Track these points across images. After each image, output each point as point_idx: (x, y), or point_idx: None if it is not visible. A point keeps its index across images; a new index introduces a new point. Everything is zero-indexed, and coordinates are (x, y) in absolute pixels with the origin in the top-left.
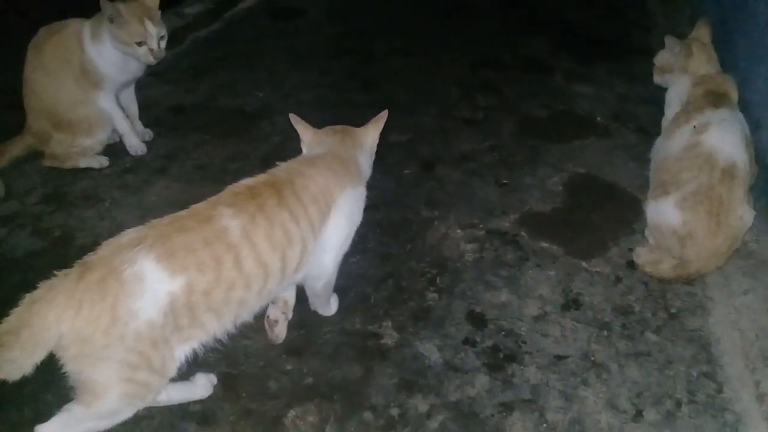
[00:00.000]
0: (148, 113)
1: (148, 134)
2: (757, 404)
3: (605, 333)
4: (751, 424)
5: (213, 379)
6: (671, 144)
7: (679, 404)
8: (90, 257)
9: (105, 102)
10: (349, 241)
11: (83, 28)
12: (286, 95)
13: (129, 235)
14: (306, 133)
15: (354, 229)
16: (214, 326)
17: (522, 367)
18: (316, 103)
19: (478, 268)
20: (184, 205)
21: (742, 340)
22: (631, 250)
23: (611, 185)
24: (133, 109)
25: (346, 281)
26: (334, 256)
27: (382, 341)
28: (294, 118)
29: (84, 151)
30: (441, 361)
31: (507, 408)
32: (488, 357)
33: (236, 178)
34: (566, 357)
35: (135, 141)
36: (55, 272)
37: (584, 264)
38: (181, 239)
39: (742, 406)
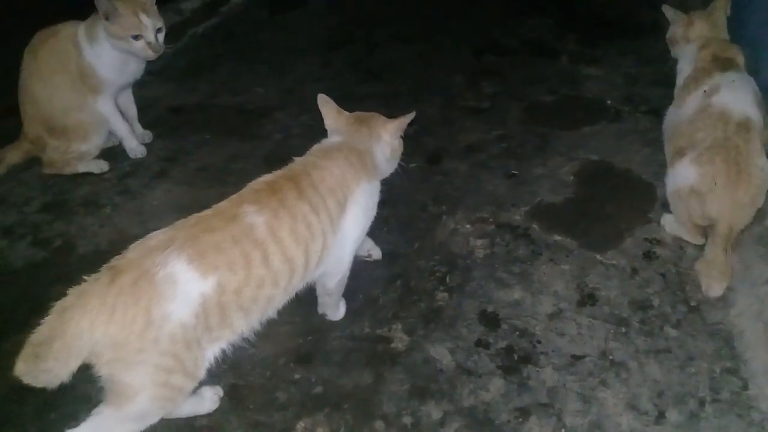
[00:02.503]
0: (147, 114)
1: (148, 136)
2: None
3: (623, 329)
4: None
5: (219, 391)
6: (683, 111)
7: (702, 403)
8: (119, 261)
9: (104, 106)
10: (363, 236)
11: (78, 30)
12: (287, 90)
13: (157, 237)
14: (329, 116)
15: (369, 223)
16: (242, 325)
17: (538, 369)
18: None
19: (489, 265)
20: (185, 209)
21: (767, 332)
22: (647, 240)
23: (625, 172)
24: (132, 111)
25: (353, 283)
26: (351, 250)
27: (392, 345)
28: (321, 99)
29: (81, 156)
30: (453, 364)
31: (523, 413)
32: (502, 359)
33: (239, 178)
34: (583, 356)
35: (134, 144)
36: (59, 282)
37: (599, 257)
38: (210, 239)
39: None
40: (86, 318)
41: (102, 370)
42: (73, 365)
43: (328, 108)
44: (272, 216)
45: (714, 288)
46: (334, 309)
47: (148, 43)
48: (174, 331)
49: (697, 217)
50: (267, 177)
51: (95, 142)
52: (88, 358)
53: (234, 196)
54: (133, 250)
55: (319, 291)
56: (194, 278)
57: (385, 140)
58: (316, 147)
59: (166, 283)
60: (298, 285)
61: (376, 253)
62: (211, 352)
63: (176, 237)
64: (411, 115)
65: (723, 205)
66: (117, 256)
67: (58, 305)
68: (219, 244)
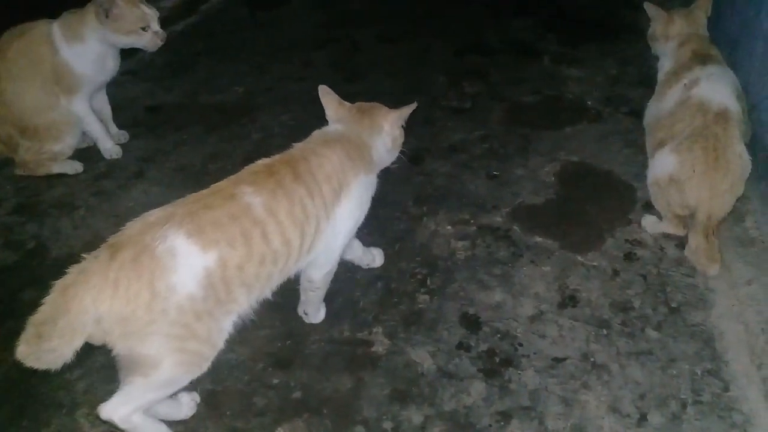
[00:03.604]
0: (124, 114)
1: (124, 136)
2: (766, 403)
3: (604, 331)
4: (760, 424)
5: (196, 397)
6: (663, 105)
7: (684, 405)
8: (117, 237)
9: (78, 106)
10: (355, 229)
11: (52, 30)
12: (268, 89)
13: (155, 213)
14: (330, 107)
15: (363, 217)
16: (245, 301)
17: (519, 372)
18: (300, 96)
19: (470, 267)
20: None
21: (747, 333)
22: (627, 241)
23: (606, 173)
24: (106, 111)
25: (333, 285)
26: (342, 242)
27: (373, 349)
28: (322, 90)
29: (54, 157)
30: (434, 368)
31: (505, 416)
32: (483, 362)
33: (217, 179)
34: (565, 359)
35: (109, 144)
36: (32, 285)
37: (580, 258)
38: (208, 216)
39: (750, 405)
40: (89, 294)
41: (117, 345)
42: (77, 343)
43: (329, 99)
44: (270, 197)
45: (708, 271)
46: (316, 308)
47: (155, 33)
48: (181, 303)
49: (676, 206)
50: (265, 160)
51: (68, 143)
52: (91, 336)
53: (232, 177)
54: (132, 227)
55: (303, 285)
56: (194, 252)
57: (386, 131)
58: (316, 133)
59: (166, 257)
60: (292, 268)
61: (378, 261)
62: (227, 324)
63: (175, 213)
64: (412, 106)
65: (702, 192)
66: (114, 234)
67: (59, 284)
68: (217, 220)
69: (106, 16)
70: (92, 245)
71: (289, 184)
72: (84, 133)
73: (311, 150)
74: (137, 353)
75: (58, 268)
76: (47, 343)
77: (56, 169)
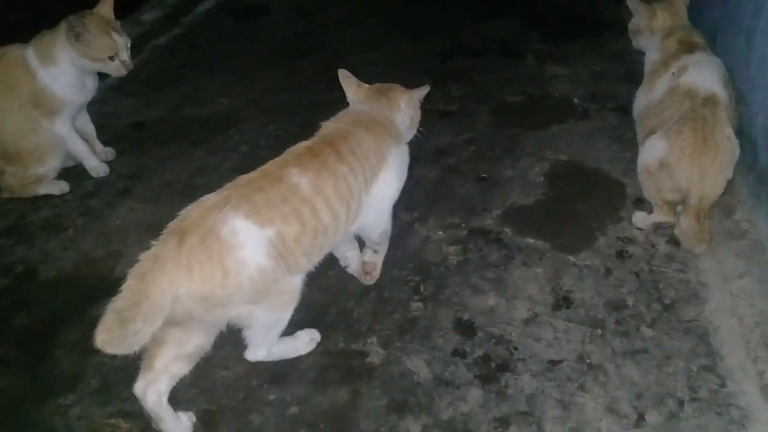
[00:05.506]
0: (109, 130)
1: (111, 153)
2: (763, 397)
3: (599, 331)
4: (757, 419)
5: (192, 417)
6: (653, 94)
7: (681, 403)
8: (180, 224)
9: (61, 128)
10: (398, 194)
11: (26, 54)
12: (253, 100)
13: (212, 198)
14: (350, 89)
15: (402, 183)
16: (306, 267)
17: (515, 377)
18: (286, 106)
19: (463, 272)
20: (151, 227)
21: (741, 327)
22: (619, 238)
23: (594, 171)
24: (89, 129)
25: (326, 297)
26: (387, 206)
27: (368, 360)
28: (342, 74)
29: (39, 179)
30: (430, 376)
31: (503, 423)
32: (479, 368)
33: (205, 193)
34: (560, 361)
35: (95, 163)
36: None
37: (572, 258)
38: (261, 197)
39: (747, 399)
40: (166, 279)
41: (206, 319)
42: (158, 324)
43: (348, 82)
44: (315, 176)
45: (696, 250)
46: (384, 245)
47: (123, 62)
48: (252, 275)
49: (667, 191)
50: (305, 143)
51: (52, 165)
52: (173, 315)
53: (277, 159)
54: (191, 213)
55: (368, 244)
56: (255, 230)
57: (403, 109)
58: (345, 113)
59: (231, 237)
60: (338, 240)
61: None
62: (296, 281)
63: (230, 197)
64: (426, 88)
65: (692, 173)
66: (175, 220)
67: (135, 271)
68: (270, 201)
69: (76, 39)
70: (82, 266)
71: (333, 164)
72: (69, 153)
73: (348, 131)
74: (230, 318)
75: (48, 291)
76: (132, 326)
77: (42, 190)
